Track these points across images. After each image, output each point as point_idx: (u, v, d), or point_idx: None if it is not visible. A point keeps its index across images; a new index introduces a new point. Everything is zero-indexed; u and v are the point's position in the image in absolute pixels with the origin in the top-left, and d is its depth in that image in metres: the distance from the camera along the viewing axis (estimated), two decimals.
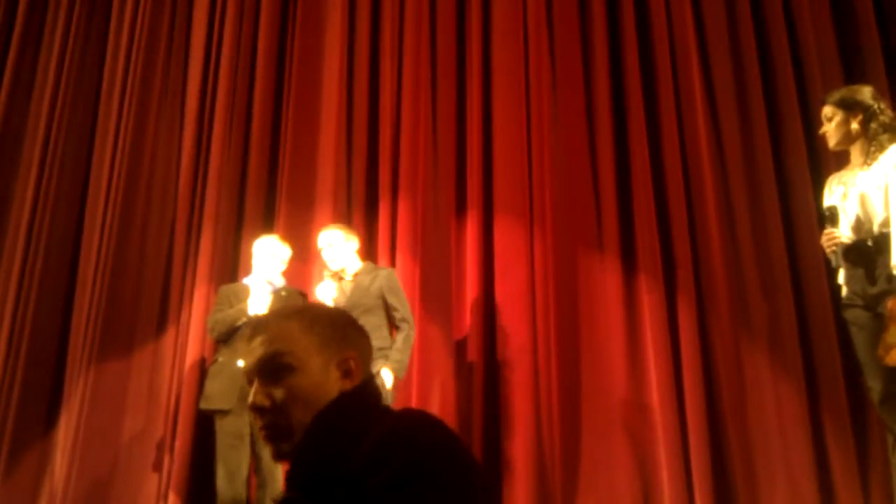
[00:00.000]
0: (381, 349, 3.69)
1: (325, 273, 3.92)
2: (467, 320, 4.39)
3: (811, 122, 4.21)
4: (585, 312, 4.30)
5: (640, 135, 4.45)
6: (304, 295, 4.17)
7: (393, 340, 3.81)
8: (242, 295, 3.96)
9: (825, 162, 4.04)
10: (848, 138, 3.04)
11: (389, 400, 3.64)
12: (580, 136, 4.57)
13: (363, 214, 4.69)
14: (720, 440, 3.90)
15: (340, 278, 3.93)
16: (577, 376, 4.19)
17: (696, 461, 3.81)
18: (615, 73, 4.67)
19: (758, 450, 3.84)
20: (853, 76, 4.31)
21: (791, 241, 4.17)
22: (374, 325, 3.72)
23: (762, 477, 3.78)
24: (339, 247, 3.91)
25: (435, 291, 4.47)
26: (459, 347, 4.39)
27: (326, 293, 3.81)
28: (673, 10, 4.69)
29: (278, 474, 3.81)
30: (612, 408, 4.10)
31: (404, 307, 3.83)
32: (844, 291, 3.01)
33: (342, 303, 3.80)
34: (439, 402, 4.25)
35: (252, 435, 3.79)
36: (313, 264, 4.58)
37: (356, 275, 3.90)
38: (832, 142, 3.09)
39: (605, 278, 4.32)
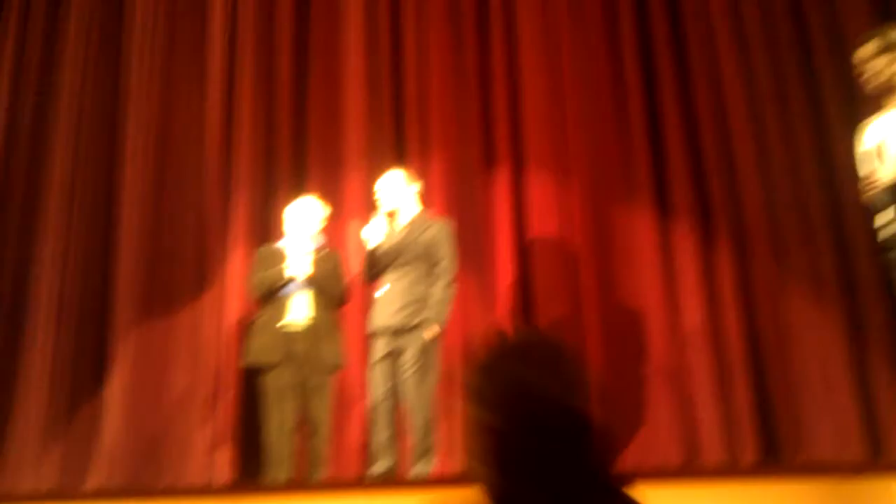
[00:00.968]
0: (423, 299, 3.71)
1: (379, 210, 3.90)
2: (502, 275, 4.42)
3: (847, 60, 4.15)
4: (621, 261, 4.30)
5: (670, 78, 4.41)
6: (339, 256, 4.22)
7: None
8: (281, 256, 4.03)
9: (863, 102, 3.98)
10: (885, 81, 3.00)
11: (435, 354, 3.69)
12: (609, 82, 4.54)
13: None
14: (762, 385, 3.91)
15: (392, 218, 3.93)
16: (615, 325, 4.20)
17: (737, 407, 3.84)
18: (641, 15, 4.61)
19: (801, 394, 3.84)
20: (890, 13, 4.22)
21: (830, 181, 4.10)
22: (419, 274, 3.76)
23: (806, 421, 3.78)
24: (398, 187, 3.91)
25: (469, 247, 4.45)
26: (495, 302, 4.42)
27: (375, 231, 3.82)
28: None
29: (325, 425, 3.92)
30: (652, 355, 4.12)
31: (449, 260, 3.81)
32: (884, 233, 3.00)
33: (391, 245, 3.81)
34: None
35: (298, 388, 3.89)
36: (345, 223, 4.63)
37: (411, 222, 3.89)
38: (869, 85, 3.05)
39: (640, 226, 4.32)
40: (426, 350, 3.65)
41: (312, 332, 3.89)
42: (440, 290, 3.73)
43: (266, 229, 4.75)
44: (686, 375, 4.04)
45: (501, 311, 4.40)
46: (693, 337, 4.05)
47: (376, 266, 3.85)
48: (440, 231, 3.84)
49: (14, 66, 5.28)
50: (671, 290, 4.19)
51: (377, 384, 3.72)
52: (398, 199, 3.91)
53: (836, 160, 4.11)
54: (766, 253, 4.06)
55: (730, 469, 3.14)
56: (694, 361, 4.02)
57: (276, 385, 3.88)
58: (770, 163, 4.22)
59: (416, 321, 3.67)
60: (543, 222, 4.41)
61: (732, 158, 4.26)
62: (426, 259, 3.79)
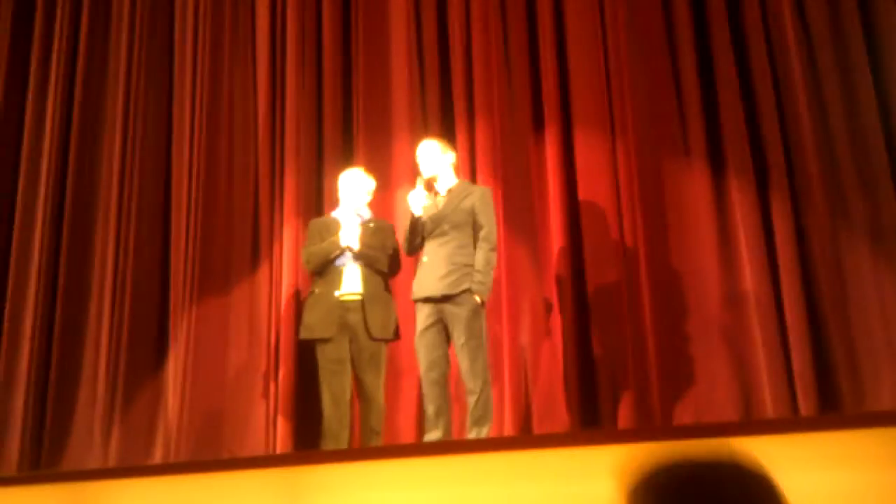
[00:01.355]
0: (466, 265, 3.70)
1: (419, 180, 3.90)
2: (553, 237, 4.37)
3: None
4: (674, 220, 4.21)
5: (722, 31, 4.25)
6: (391, 226, 4.23)
7: None
8: (332, 228, 4.07)
9: None
10: None
11: (481, 321, 3.68)
12: (659, 38, 4.41)
13: (440, 139, 4.67)
14: (821, 339, 3.79)
15: (432, 187, 3.93)
16: (670, 285, 4.13)
17: (797, 362, 3.73)
18: None
19: (861, 346, 3.72)
20: None
21: (889, 132, 3.93)
22: (461, 241, 3.74)
23: (866, 374, 3.67)
24: (433, 155, 3.92)
25: (518, 211, 4.46)
26: (547, 266, 4.38)
27: (417, 200, 3.81)
28: None
29: (380, 396, 3.95)
30: (708, 313, 4.03)
31: (490, 227, 3.79)
32: None
33: (433, 213, 3.82)
34: (530, 322, 4.28)
35: (353, 359, 3.93)
36: (394, 193, 4.63)
37: (450, 190, 3.89)
38: None
39: (693, 183, 4.21)
40: (474, 317, 3.64)
41: (365, 303, 3.92)
42: (483, 256, 3.71)
43: (318, 202, 4.80)
44: (743, 334, 3.94)
45: (552, 275, 4.35)
46: (750, 295, 3.95)
47: (418, 235, 3.85)
48: (481, 197, 3.82)
49: (70, 38, 5.41)
50: (726, 248, 4.09)
51: (424, 353, 3.73)
52: (435, 167, 3.90)
53: (894, 108, 3.94)
54: (823, 206, 3.93)
55: (790, 423, 3.06)
56: (751, 320, 3.92)
57: (330, 357, 3.93)
58: (826, 113, 4.05)
59: (461, 288, 3.65)
60: (594, 184, 4.34)
61: (787, 111, 4.10)
62: (468, 226, 3.78)
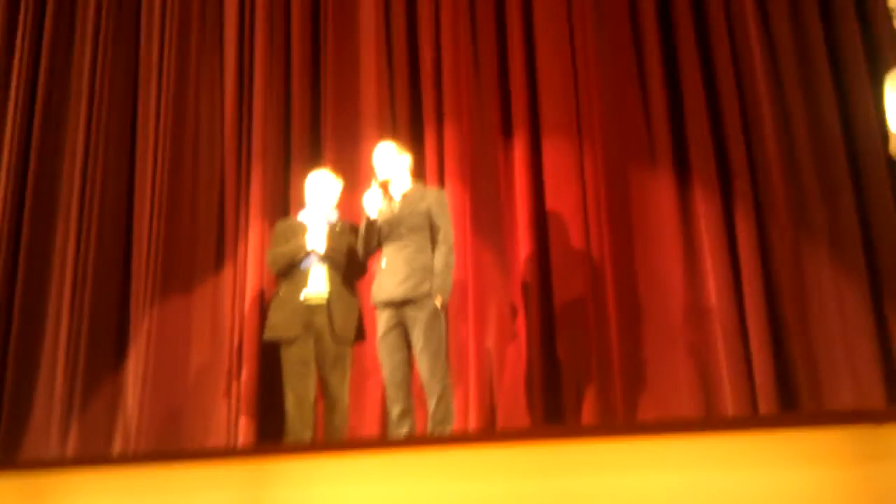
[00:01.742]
0: (425, 269, 3.69)
1: (373, 180, 3.89)
2: (520, 242, 4.39)
3: (867, 17, 4.06)
4: (640, 226, 4.26)
5: (688, 40, 4.32)
6: (356, 228, 4.22)
7: None
8: (299, 230, 4.05)
9: (884, 58, 3.90)
10: None
11: (441, 323, 3.69)
12: (626, 45, 4.46)
13: (409, 142, 4.65)
14: (782, 345, 3.85)
15: (387, 190, 3.93)
16: (635, 290, 4.17)
17: (758, 368, 3.78)
18: None
19: (821, 354, 3.79)
20: None
21: (850, 141, 4.03)
22: (419, 244, 3.74)
23: (826, 381, 3.73)
24: (390, 158, 3.92)
25: (486, 215, 4.47)
26: (513, 270, 4.40)
27: (372, 201, 3.80)
28: None
29: (345, 397, 3.94)
30: (672, 319, 4.08)
31: (447, 228, 3.79)
32: None
33: (388, 216, 3.82)
34: (496, 326, 4.30)
35: (318, 361, 3.91)
36: (362, 196, 4.62)
37: (405, 194, 3.89)
38: None
39: (659, 191, 4.26)
40: (434, 320, 3.64)
41: (331, 304, 3.90)
42: (442, 259, 3.71)
43: (284, 203, 4.78)
44: (706, 341, 3.99)
45: (518, 279, 4.37)
46: (713, 302, 4.01)
47: (374, 238, 3.85)
48: (437, 200, 3.83)
49: (32, 44, 5.35)
50: (690, 256, 4.15)
51: (387, 357, 3.72)
52: (390, 169, 3.90)
53: (857, 118, 4.04)
54: (786, 215, 4.00)
55: (748, 421, 3.11)
56: (714, 327, 3.98)
57: (295, 358, 3.91)
58: (789, 124, 4.13)
59: (420, 291, 3.65)
60: (561, 190, 4.37)
61: (751, 121, 4.18)
62: (425, 229, 3.77)
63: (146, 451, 4.22)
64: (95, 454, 4.33)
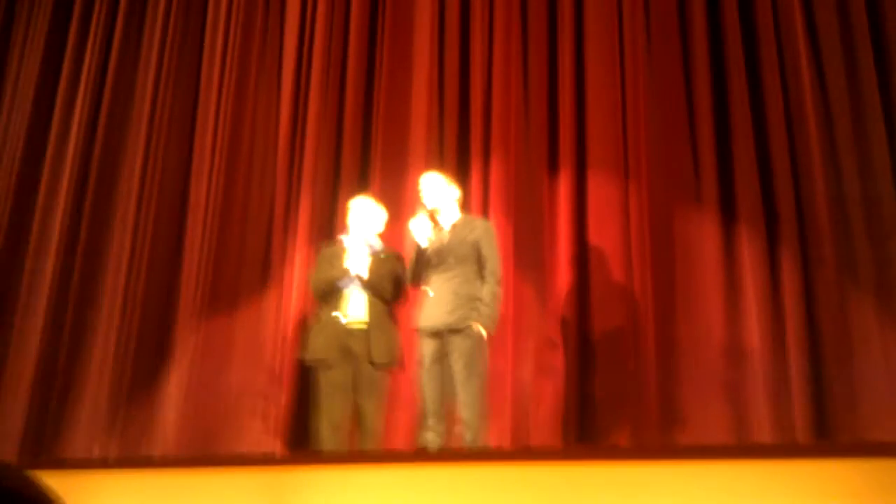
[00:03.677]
0: (473, 299, 3.71)
1: (421, 209, 3.92)
2: (561, 277, 4.39)
3: None
4: (682, 265, 4.23)
5: (739, 81, 4.33)
6: (400, 257, 4.25)
7: None
8: (341, 254, 4.08)
9: None
10: None
11: (484, 354, 3.69)
12: (676, 85, 4.49)
13: (456, 175, 4.68)
14: (825, 392, 3.79)
15: (434, 219, 3.95)
16: (675, 330, 4.14)
17: (799, 415, 3.72)
18: (712, 18, 4.54)
19: (864, 398, 3.71)
20: None
21: None
22: (466, 275, 3.76)
23: (869, 426, 3.65)
24: (437, 188, 3.95)
25: (529, 249, 4.48)
26: (554, 304, 4.39)
27: (420, 229, 3.83)
28: None
29: (378, 423, 3.94)
30: (712, 361, 4.03)
31: (494, 261, 3.80)
32: None
33: (437, 246, 3.83)
34: (534, 359, 4.28)
35: (354, 386, 3.93)
36: (406, 225, 4.67)
37: (454, 225, 3.92)
38: None
39: (704, 231, 4.24)
40: (477, 350, 3.64)
41: (370, 330, 3.92)
42: (490, 290, 3.73)
43: (330, 229, 4.84)
44: (747, 383, 3.94)
45: (557, 314, 4.36)
46: (755, 345, 3.96)
47: (422, 266, 3.87)
48: (485, 232, 3.85)
49: (97, 65, 5.54)
50: (733, 297, 4.11)
51: (428, 385, 3.73)
52: (438, 199, 3.94)
53: None
54: (832, 260, 3.95)
55: (784, 449, 3.04)
56: (754, 368, 3.93)
57: (331, 382, 3.92)
58: (839, 168, 4.11)
59: (465, 322, 3.66)
60: (604, 226, 4.38)
61: (800, 163, 4.16)
62: (472, 260, 3.79)
63: (182, 456, 4.25)
64: (133, 457, 4.38)
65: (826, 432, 3.70)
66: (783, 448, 2.97)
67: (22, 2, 5.96)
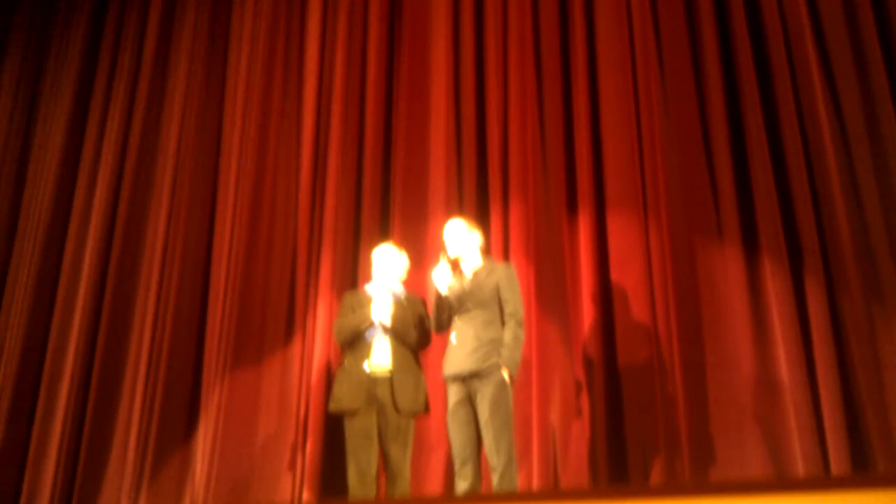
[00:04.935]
0: (493, 341, 3.71)
1: (443, 257, 3.95)
2: (585, 317, 4.38)
3: None
4: (707, 301, 4.19)
5: (755, 115, 4.32)
6: (423, 302, 4.27)
7: None
8: (365, 301, 4.11)
9: None
10: None
11: (508, 397, 3.68)
12: (692, 120, 4.49)
13: (475, 219, 4.72)
14: (857, 423, 3.71)
15: (457, 266, 3.99)
16: (702, 367, 4.08)
17: (832, 447, 3.65)
18: (725, 53, 4.57)
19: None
20: None
21: None
22: (487, 318, 3.76)
23: None
24: (460, 235, 3.98)
25: (550, 290, 4.48)
26: (578, 345, 4.37)
27: (442, 277, 3.86)
28: None
29: (406, 470, 3.92)
30: (741, 396, 3.97)
31: (516, 303, 3.80)
32: None
33: (458, 292, 3.86)
34: (560, 401, 4.25)
35: (380, 433, 3.92)
36: (428, 272, 4.70)
37: (476, 271, 3.93)
38: None
39: (727, 266, 4.21)
40: (500, 392, 3.63)
41: (394, 377, 3.93)
42: (511, 332, 3.73)
43: (352, 278, 4.88)
44: (777, 420, 3.87)
45: (582, 354, 4.34)
46: (784, 379, 3.90)
47: (444, 312, 3.90)
48: (505, 275, 3.86)
49: (121, 122, 5.71)
50: (760, 332, 4.06)
51: (456, 431, 3.72)
52: (461, 246, 3.97)
53: None
54: (858, 290, 3.89)
55: (819, 482, 2.98)
56: (786, 405, 3.86)
57: (358, 430, 3.92)
58: (860, 195, 4.07)
59: (488, 364, 3.66)
60: (626, 265, 4.36)
61: (821, 195, 4.13)
62: (493, 303, 3.80)
63: None
64: None
65: (862, 462, 3.62)
66: (819, 481, 2.92)
67: (48, 61, 6.17)
